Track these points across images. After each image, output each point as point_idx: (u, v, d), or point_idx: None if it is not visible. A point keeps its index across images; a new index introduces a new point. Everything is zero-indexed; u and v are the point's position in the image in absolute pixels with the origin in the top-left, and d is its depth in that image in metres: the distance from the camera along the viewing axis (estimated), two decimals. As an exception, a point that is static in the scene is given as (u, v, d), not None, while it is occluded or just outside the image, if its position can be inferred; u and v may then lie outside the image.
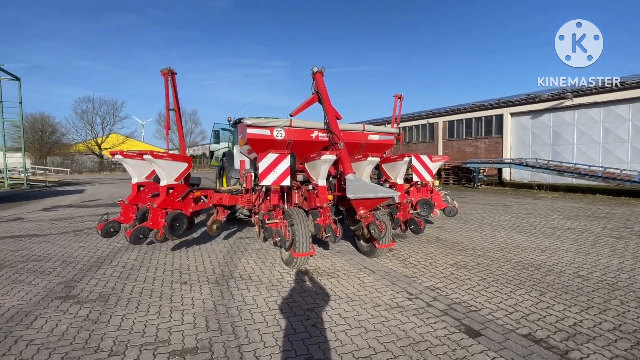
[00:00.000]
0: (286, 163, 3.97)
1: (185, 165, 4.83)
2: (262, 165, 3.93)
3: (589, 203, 10.84)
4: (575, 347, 2.70)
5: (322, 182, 4.60)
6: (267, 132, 4.82)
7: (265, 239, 6.02)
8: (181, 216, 4.56)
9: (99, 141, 51.11)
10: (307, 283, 4.09)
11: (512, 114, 20.03)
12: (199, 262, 4.93)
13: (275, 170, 3.94)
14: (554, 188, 14.90)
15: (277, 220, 4.23)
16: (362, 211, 4.38)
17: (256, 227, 5.47)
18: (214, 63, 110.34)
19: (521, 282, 4.08)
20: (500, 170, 18.29)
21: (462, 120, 23.11)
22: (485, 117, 21.49)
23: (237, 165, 5.89)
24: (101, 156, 51.04)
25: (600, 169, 12.97)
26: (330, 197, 4.66)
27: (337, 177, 5.37)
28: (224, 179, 8.26)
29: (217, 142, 11.27)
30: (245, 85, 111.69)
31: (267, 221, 4.19)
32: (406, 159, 5.15)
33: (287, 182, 3.97)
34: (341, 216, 4.80)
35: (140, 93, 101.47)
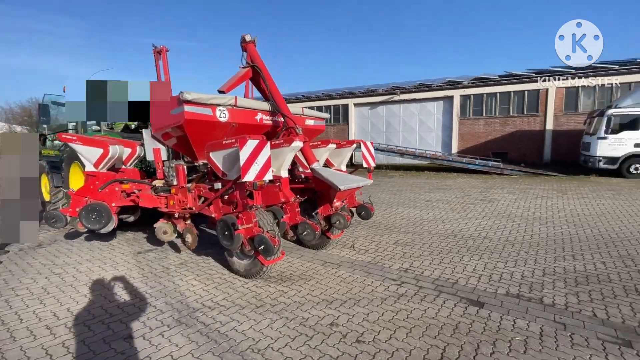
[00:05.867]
0: (267, 152, 3.18)
1: (101, 151, 4.40)
2: (243, 155, 3.01)
3: (428, 178, 13.95)
4: (540, 294, 3.44)
5: (284, 173, 3.99)
6: (209, 111, 3.72)
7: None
8: (99, 208, 4.05)
9: None
10: (292, 292, 3.53)
11: (355, 105, 23.13)
12: (123, 298, 3.43)
13: (256, 162, 3.09)
14: (394, 168, 18.34)
15: (249, 225, 3.38)
16: (337, 203, 4.08)
17: (188, 235, 4.21)
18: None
19: (458, 250, 4.84)
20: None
21: (313, 107, 24.93)
22: (334, 105, 23.97)
23: (149, 156, 4.33)
24: None
25: (422, 151, 16.88)
26: None
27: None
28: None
29: (47, 122, 7.97)
30: (10, 42, 71.63)
31: (239, 226, 3.27)
32: (354, 145, 5.10)
33: (269, 175, 3.19)
34: (317, 211, 4.30)
35: None
